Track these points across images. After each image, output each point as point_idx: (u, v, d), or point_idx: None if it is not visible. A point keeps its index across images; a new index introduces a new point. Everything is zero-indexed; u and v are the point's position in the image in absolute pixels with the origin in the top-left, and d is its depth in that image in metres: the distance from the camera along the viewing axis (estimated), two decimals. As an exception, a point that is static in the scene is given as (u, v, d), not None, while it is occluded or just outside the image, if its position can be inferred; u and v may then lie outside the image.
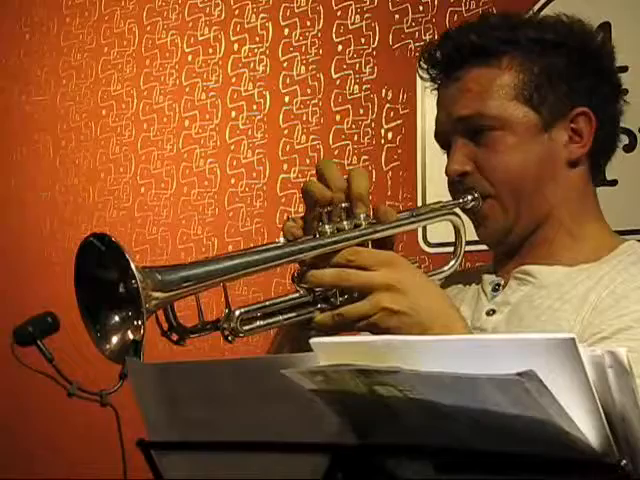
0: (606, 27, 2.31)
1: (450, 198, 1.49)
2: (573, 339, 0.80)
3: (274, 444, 1.00)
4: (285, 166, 3.01)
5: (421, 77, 1.52)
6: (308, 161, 2.95)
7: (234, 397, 1.03)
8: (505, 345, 0.84)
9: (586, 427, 0.82)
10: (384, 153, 2.78)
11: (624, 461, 0.81)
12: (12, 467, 3.56)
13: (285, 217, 1.39)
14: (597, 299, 1.36)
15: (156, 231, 3.32)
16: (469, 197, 1.44)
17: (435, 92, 1.52)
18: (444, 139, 1.49)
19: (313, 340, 0.95)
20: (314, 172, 1.40)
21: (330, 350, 0.93)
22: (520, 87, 1.43)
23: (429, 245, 2.64)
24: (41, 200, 3.69)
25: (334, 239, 1.33)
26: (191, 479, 1.09)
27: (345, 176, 1.37)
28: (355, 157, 2.83)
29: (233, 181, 3.14)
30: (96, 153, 3.54)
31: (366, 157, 2.81)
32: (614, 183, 2.26)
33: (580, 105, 1.44)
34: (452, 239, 1.52)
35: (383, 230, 1.37)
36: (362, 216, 1.35)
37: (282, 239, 1.34)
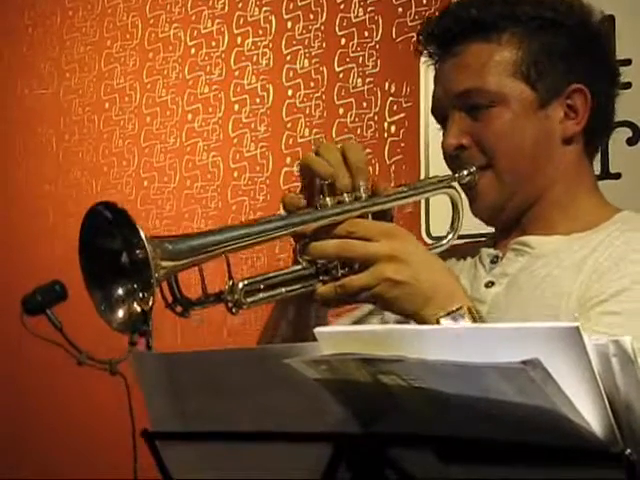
0: (610, 20, 2.31)
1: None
2: (577, 328, 0.80)
3: (278, 434, 1.00)
4: (288, 159, 3.01)
5: (419, 52, 1.52)
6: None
7: (238, 387, 1.03)
8: (510, 334, 0.84)
9: (590, 416, 0.82)
10: (387, 146, 2.78)
11: (628, 450, 0.81)
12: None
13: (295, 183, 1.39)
14: (595, 263, 1.37)
15: (159, 224, 3.33)
16: (465, 172, 1.45)
17: (433, 68, 1.52)
18: (441, 114, 1.49)
19: (317, 330, 0.95)
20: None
21: (334, 339, 0.93)
22: (518, 63, 1.43)
23: (432, 238, 2.63)
24: (44, 193, 3.70)
25: (335, 211, 1.34)
26: (195, 469, 1.09)
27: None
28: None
29: (236, 174, 3.14)
30: (99, 146, 3.54)
31: (369, 150, 2.80)
32: (618, 176, 2.26)
33: (576, 82, 1.45)
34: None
35: (383, 203, 1.38)
36: (362, 189, 1.35)
37: (283, 212, 1.35)
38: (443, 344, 0.87)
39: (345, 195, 1.34)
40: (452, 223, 1.50)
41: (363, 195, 1.35)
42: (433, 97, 1.51)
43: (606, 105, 1.49)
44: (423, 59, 1.54)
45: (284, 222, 1.34)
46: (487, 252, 1.51)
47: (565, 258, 1.41)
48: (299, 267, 1.35)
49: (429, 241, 2.63)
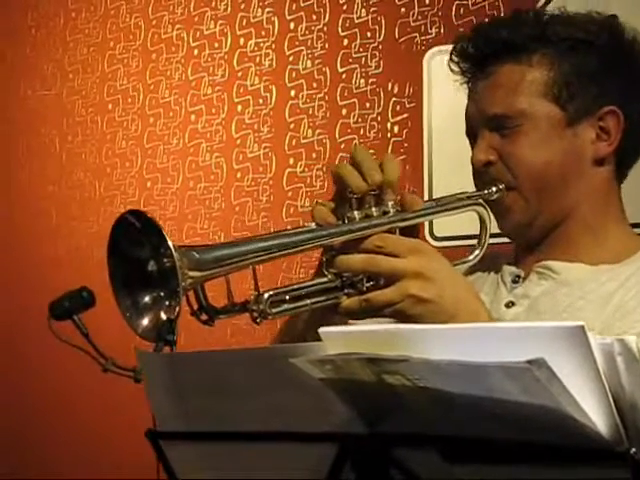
0: (615, 18, 2.31)
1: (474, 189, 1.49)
2: (582, 327, 0.80)
3: (282, 434, 1.00)
4: (291, 160, 3.01)
5: (452, 70, 1.53)
6: (314, 155, 2.95)
7: (242, 387, 1.03)
8: (515, 333, 0.84)
9: (595, 415, 0.82)
10: (390, 147, 2.78)
11: (633, 449, 0.81)
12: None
13: (304, 204, 1.39)
14: (620, 301, 1.36)
15: (162, 225, 3.31)
16: (494, 188, 1.46)
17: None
18: (473, 132, 1.50)
19: (322, 329, 0.95)
20: (320, 166, 1.41)
21: (339, 339, 0.93)
22: (550, 84, 1.43)
23: (435, 239, 2.63)
24: (47, 194, 3.70)
25: (363, 225, 1.34)
26: (199, 469, 1.09)
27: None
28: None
29: (239, 175, 3.14)
30: (102, 148, 3.54)
31: (372, 151, 2.80)
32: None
33: (609, 104, 1.44)
34: (459, 233, 1.53)
35: (411, 218, 1.38)
36: (390, 204, 1.35)
37: (312, 224, 1.35)
38: (448, 344, 0.87)
39: (373, 210, 1.35)
40: (479, 240, 1.50)
41: (391, 210, 1.35)
42: (466, 116, 1.52)
43: (639, 126, 1.48)
44: (455, 77, 1.54)
45: (312, 235, 1.34)
46: (509, 270, 1.51)
47: (590, 290, 1.40)
48: (325, 279, 1.35)
49: (433, 242, 2.62)
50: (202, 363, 1.08)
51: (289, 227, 2.91)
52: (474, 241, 1.57)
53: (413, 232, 1.40)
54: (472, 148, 1.50)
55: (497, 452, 0.87)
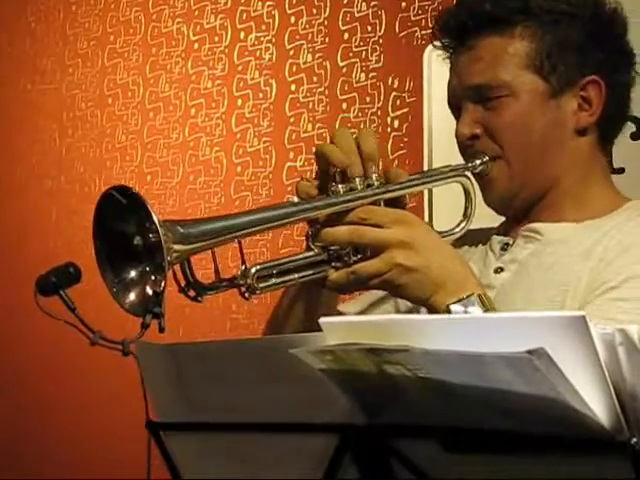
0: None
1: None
2: (583, 317, 0.80)
3: (283, 425, 1.00)
4: (291, 154, 3.00)
5: (434, 45, 1.54)
6: (314, 149, 2.94)
7: (243, 378, 1.03)
8: (515, 323, 0.84)
9: (596, 405, 0.82)
10: (390, 141, 2.78)
11: (634, 439, 0.81)
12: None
13: (299, 178, 1.40)
14: (604, 250, 1.37)
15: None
16: (477, 161, 1.46)
17: (447, 61, 1.53)
18: (456, 105, 1.51)
19: (322, 320, 0.95)
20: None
21: (339, 330, 0.93)
22: (531, 56, 1.44)
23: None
24: (46, 189, 3.70)
25: (347, 197, 1.35)
26: (199, 459, 1.09)
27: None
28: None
29: (239, 169, 3.14)
30: (102, 142, 3.54)
31: (372, 145, 2.80)
32: (621, 171, 2.25)
33: (591, 74, 1.45)
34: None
35: (395, 190, 1.39)
36: (374, 176, 1.36)
37: (296, 198, 1.35)
38: (448, 334, 0.87)
39: (357, 182, 1.36)
40: (465, 211, 1.51)
41: (375, 182, 1.37)
42: (448, 89, 1.52)
43: (621, 96, 1.50)
44: (437, 52, 1.54)
45: (296, 208, 1.35)
46: (497, 239, 1.52)
47: (574, 245, 1.41)
48: (311, 253, 1.36)
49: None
50: (202, 354, 1.08)
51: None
52: (483, 227, 1.58)
53: (399, 204, 1.40)
54: (456, 121, 1.50)
55: (497, 442, 0.87)
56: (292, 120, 3.00)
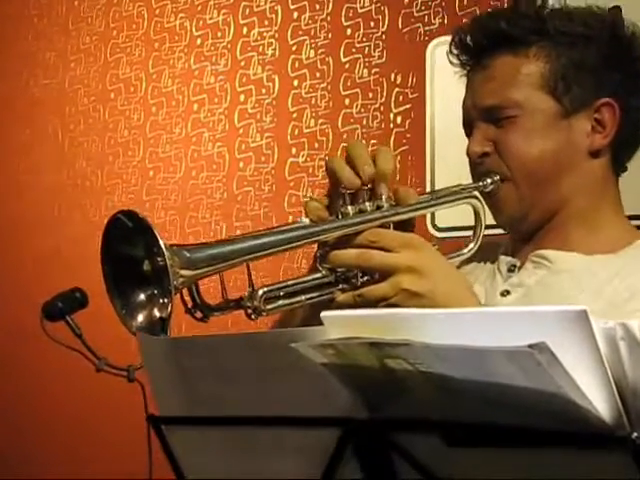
0: (617, 11, 2.30)
1: (470, 180, 1.50)
2: (585, 311, 0.80)
3: (284, 419, 1.00)
4: (294, 150, 3.01)
5: (451, 62, 1.53)
6: (317, 145, 2.94)
7: (245, 371, 1.03)
8: (517, 317, 0.84)
9: (597, 400, 0.82)
10: (393, 137, 2.78)
11: (635, 434, 0.81)
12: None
13: (307, 195, 1.40)
14: (613, 291, 1.36)
15: (164, 215, 3.33)
16: (488, 180, 1.46)
17: (463, 78, 1.53)
18: (468, 124, 1.51)
19: (324, 314, 0.95)
20: (322, 156, 1.41)
21: (341, 324, 0.93)
22: (546, 77, 1.43)
23: (438, 230, 2.64)
24: (49, 184, 3.70)
25: (357, 220, 1.34)
26: (201, 454, 1.09)
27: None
28: (364, 141, 2.83)
29: (241, 165, 3.14)
30: (104, 137, 3.54)
31: (375, 141, 2.81)
32: (624, 170, 2.25)
33: (605, 96, 1.44)
34: (461, 224, 1.53)
35: (404, 212, 1.38)
36: (384, 198, 1.35)
37: (304, 219, 1.35)
38: (450, 328, 0.87)
39: (367, 204, 1.35)
40: (474, 232, 1.50)
41: (385, 204, 1.36)
42: (463, 108, 1.52)
43: (636, 119, 1.48)
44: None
45: (306, 231, 1.34)
46: (505, 260, 1.51)
47: (584, 281, 1.40)
48: (319, 275, 1.36)
49: (435, 232, 2.63)
50: (204, 347, 1.08)
51: (291, 217, 2.93)
52: (486, 231, 1.57)
53: (407, 226, 1.39)
54: (468, 140, 1.50)
55: (498, 437, 0.87)
56: (295, 116, 3.00)
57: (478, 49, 1.48)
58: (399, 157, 2.74)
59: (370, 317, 0.95)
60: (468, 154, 1.49)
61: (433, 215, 2.64)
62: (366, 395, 0.95)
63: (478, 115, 1.47)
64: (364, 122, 2.84)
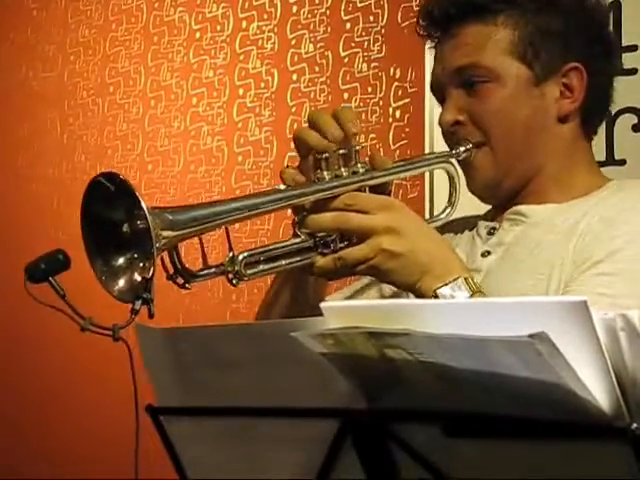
0: (617, 6, 2.30)
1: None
2: (585, 301, 0.80)
3: (283, 409, 1.00)
4: (292, 144, 3.00)
5: (419, 34, 1.55)
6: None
7: (244, 362, 1.03)
8: (516, 307, 0.84)
9: (597, 390, 0.82)
10: (392, 131, 2.78)
11: (634, 424, 0.81)
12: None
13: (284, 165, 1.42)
14: (587, 226, 1.38)
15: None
16: (462, 148, 1.47)
17: (433, 50, 1.54)
18: (440, 92, 1.51)
19: (324, 304, 0.95)
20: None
21: (340, 314, 0.93)
22: (515, 43, 1.45)
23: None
24: (48, 177, 3.70)
25: (333, 184, 1.36)
26: (198, 444, 1.09)
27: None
28: (363, 135, 2.83)
29: (240, 159, 3.14)
30: (103, 130, 3.54)
31: (374, 135, 2.80)
32: (622, 163, 2.25)
33: (573, 61, 1.46)
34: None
35: (380, 176, 1.40)
36: (359, 163, 1.37)
37: (282, 186, 1.37)
38: (450, 319, 0.87)
39: (342, 169, 1.36)
40: (449, 197, 1.53)
41: (360, 169, 1.38)
42: (432, 76, 1.53)
43: (604, 84, 1.51)
44: (428, 45, 1.56)
45: (282, 195, 1.36)
46: (484, 224, 1.53)
47: (558, 224, 1.42)
48: (298, 240, 1.37)
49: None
50: (203, 338, 1.08)
51: (289, 211, 2.93)
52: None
53: (384, 191, 1.42)
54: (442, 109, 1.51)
55: (497, 427, 0.87)
56: (294, 110, 3.00)
57: (447, 20, 1.49)
58: (398, 151, 2.74)
59: (370, 307, 0.95)
60: (440, 123, 1.49)
61: (432, 209, 2.64)
62: (365, 385, 0.95)
63: (449, 80, 1.48)
64: (363, 116, 2.83)
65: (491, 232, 1.50)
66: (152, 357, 1.11)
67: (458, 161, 1.49)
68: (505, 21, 1.46)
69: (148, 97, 3.41)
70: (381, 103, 2.81)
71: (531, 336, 0.79)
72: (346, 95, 2.88)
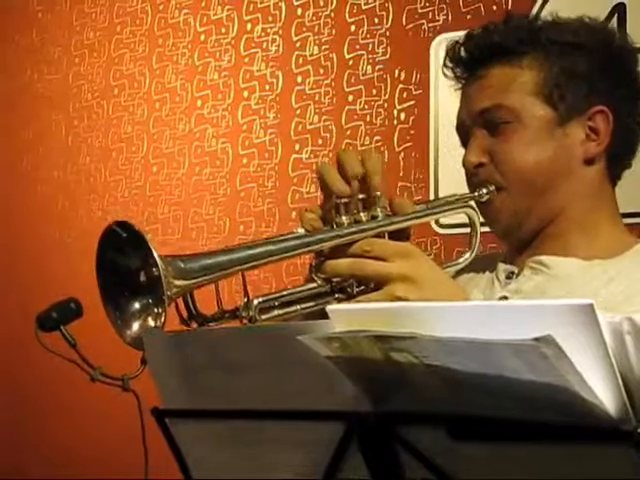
0: (621, 8, 2.30)
1: (466, 190, 1.50)
2: (592, 305, 0.80)
3: (289, 412, 1.00)
4: (297, 146, 3.00)
5: (445, 75, 1.54)
6: (320, 141, 2.94)
7: (249, 365, 1.03)
8: (522, 311, 0.84)
9: (603, 394, 0.82)
10: (397, 134, 2.78)
11: (641, 428, 0.81)
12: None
13: (303, 209, 1.40)
14: (608, 295, 1.37)
15: (168, 210, 3.33)
16: (484, 190, 1.46)
17: (459, 91, 1.54)
18: (464, 134, 1.51)
19: (330, 307, 0.95)
20: (326, 152, 1.42)
21: (346, 317, 0.93)
22: (540, 85, 1.44)
23: (441, 226, 2.64)
24: (53, 179, 3.70)
25: (351, 230, 1.34)
26: (204, 447, 1.10)
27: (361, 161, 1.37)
28: (367, 138, 2.83)
29: (245, 161, 3.14)
30: (108, 132, 3.54)
31: (378, 138, 2.81)
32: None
33: (599, 104, 1.45)
34: (464, 221, 1.53)
35: (399, 222, 1.39)
36: (379, 208, 1.36)
37: (300, 230, 1.36)
38: (456, 322, 0.87)
39: (362, 214, 1.36)
40: (470, 242, 1.51)
41: (380, 214, 1.36)
42: (457, 118, 1.53)
43: (630, 125, 1.49)
44: (450, 83, 1.55)
45: (300, 242, 1.34)
46: (503, 267, 1.52)
47: (579, 285, 1.41)
48: (314, 285, 1.36)
49: (438, 229, 2.63)
50: (209, 341, 1.08)
51: (294, 213, 2.93)
52: (483, 229, 1.58)
53: (402, 236, 1.40)
54: (464, 149, 1.50)
55: (503, 430, 0.87)
56: (298, 112, 3.00)
57: (473, 62, 1.49)
58: (403, 154, 2.74)
59: (376, 310, 0.95)
60: (464, 164, 1.49)
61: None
62: (371, 388, 0.95)
63: (473, 122, 1.48)
64: (368, 118, 2.83)
65: (509, 276, 1.49)
66: (158, 360, 1.11)
67: (479, 203, 1.48)
68: (530, 63, 1.45)
69: (153, 99, 3.41)
70: (386, 105, 2.81)
71: (537, 339, 0.79)
72: (351, 97, 2.89)
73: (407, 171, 2.72)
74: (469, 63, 1.50)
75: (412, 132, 2.75)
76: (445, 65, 1.54)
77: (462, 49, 1.51)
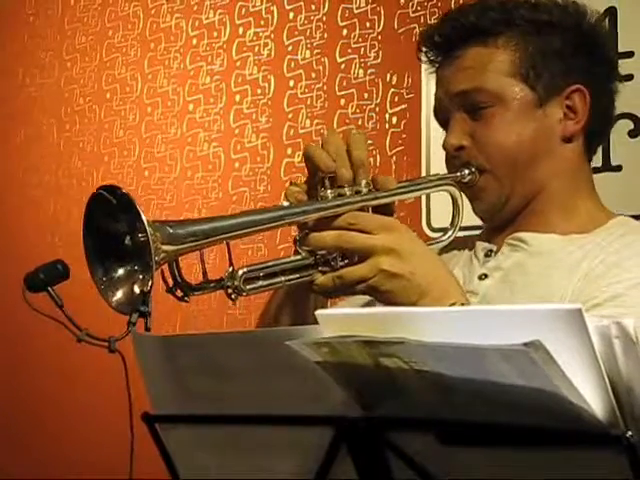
0: (612, 12, 2.31)
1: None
2: (580, 310, 0.80)
3: (278, 417, 1.00)
4: (289, 150, 3.00)
5: (419, 59, 1.55)
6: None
7: (239, 370, 1.03)
8: (511, 315, 0.84)
9: (592, 398, 0.82)
10: (388, 138, 2.78)
11: (629, 432, 0.81)
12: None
13: (288, 182, 1.44)
14: (588, 267, 1.39)
15: (159, 214, 3.32)
16: (466, 171, 1.48)
17: (434, 74, 1.55)
18: (443, 116, 1.52)
19: (319, 312, 0.95)
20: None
21: (335, 322, 0.93)
22: (516, 65, 1.46)
23: (432, 230, 2.64)
24: (44, 183, 3.69)
25: (335, 203, 1.36)
26: (194, 451, 1.09)
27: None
28: (359, 142, 2.83)
29: (237, 165, 3.14)
30: (100, 136, 3.54)
31: (370, 142, 2.80)
32: (619, 169, 2.25)
33: (575, 82, 1.47)
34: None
35: (383, 197, 1.41)
36: (363, 183, 1.38)
37: (285, 202, 1.37)
38: (445, 327, 0.87)
39: (346, 188, 1.37)
40: (452, 220, 1.53)
41: (364, 189, 1.38)
42: (435, 100, 1.54)
43: (606, 103, 1.52)
44: (424, 66, 1.56)
45: (284, 212, 1.37)
46: (482, 246, 1.53)
47: (559, 259, 1.43)
48: (299, 257, 1.38)
49: (430, 233, 2.62)
50: (198, 345, 1.08)
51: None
52: (471, 232, 1.59)
53: (387, 211, 1.42)
54: (446, 132, 1.51)
55: (492, 435, 0.87)
56: (290, 116, 3.00)
57: (448, 44, 1.50)
58: (394, 157, 2.74)
59: (365, 316, 0.95)
60: (444, 147, 1.50)
61: (428, 215, 2.64)
62: (360, 394, 0.95)
63: (452, 103, 1.49)
64: (359, 122, 2.83)
65: (488, 254, 1.51)
66: (148, 364, 1.11)
67: (461, 184, 1.49)
68: (505, 43, 1.47)
69: (145, 103, 3.40)
70: (377, 109, 2.81)
71: (526, 344, 0.79)
72: (343, 101, 2.88)
73: (399, 175, 2.72)
74: (444, 44, 1.51)
75: (404, 136, 2.75)
76: (419, 49, 1.54)
77: (437, 31, 1.52)
